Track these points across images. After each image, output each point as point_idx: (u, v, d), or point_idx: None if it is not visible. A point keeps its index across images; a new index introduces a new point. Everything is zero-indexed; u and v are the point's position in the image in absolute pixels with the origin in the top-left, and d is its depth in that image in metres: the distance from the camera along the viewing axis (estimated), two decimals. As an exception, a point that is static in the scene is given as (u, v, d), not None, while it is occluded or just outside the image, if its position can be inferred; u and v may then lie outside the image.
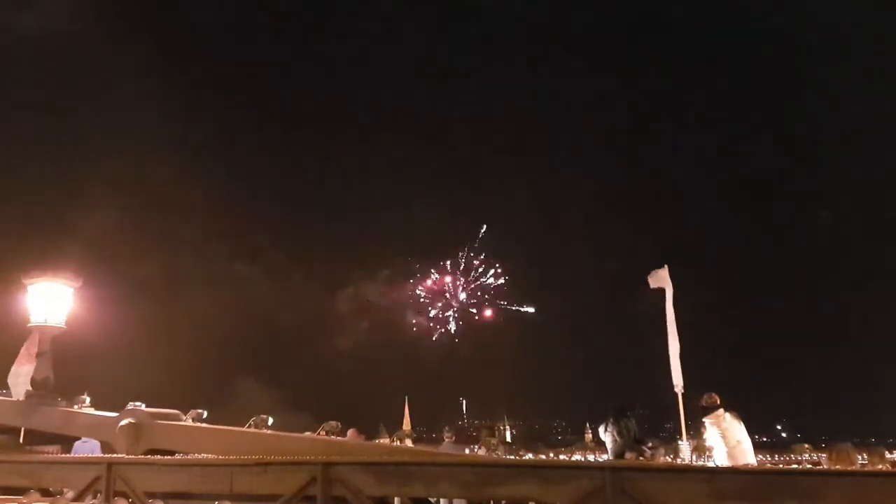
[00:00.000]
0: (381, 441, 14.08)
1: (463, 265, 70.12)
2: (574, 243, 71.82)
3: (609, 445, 10.28)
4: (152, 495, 5.60)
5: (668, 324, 11.38)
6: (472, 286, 69.26)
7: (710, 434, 9.23)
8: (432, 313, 70.59)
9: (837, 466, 7.20)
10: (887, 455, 11.08)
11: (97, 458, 6.97)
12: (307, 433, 9.54)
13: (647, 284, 11.99)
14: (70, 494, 6.14)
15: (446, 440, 11.10)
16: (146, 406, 7.35)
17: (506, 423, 65.38)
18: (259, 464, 5.21)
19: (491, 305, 69.40)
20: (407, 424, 35.85)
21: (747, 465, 8.31)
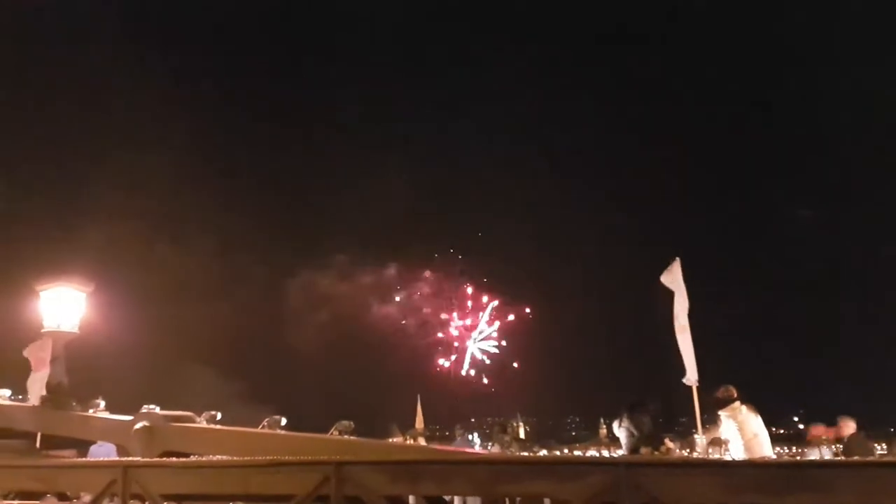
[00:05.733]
0: (394, 440, 14.10)
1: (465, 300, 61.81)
2: (583, 236, 71.01)
3: (623, 441, 10.25)
4: (168, 497, 5.63)
5: (680, 316, 11.25)
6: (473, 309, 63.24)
7: (727, 427, 9.18)
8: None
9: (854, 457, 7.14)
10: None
11: (113, 461, 7.04)
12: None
13: (658, 278, 11.87)
14: (86, 498, 6.19)
15: (458, 438, 11.12)
16: (160, 409, 7.40)
17: (519, 420, 65.10)
18: (272, 464, 5.23)
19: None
20: (420, 423, 35.84)
21: (764, 457, 8.26)
